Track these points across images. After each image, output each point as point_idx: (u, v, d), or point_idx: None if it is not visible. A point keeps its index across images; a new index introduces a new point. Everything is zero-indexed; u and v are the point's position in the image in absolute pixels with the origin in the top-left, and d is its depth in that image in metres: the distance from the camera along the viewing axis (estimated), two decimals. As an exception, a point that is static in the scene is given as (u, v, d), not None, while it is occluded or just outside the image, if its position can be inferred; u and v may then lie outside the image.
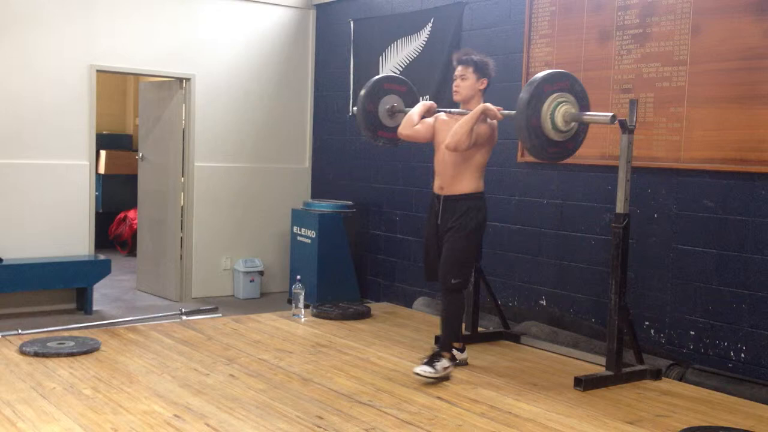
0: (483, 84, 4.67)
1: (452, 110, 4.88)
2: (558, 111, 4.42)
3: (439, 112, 4.90)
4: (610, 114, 4.36)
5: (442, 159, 4.69)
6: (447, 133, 4.63)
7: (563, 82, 4.48)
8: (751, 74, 4.64)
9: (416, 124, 4.80)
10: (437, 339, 5.18)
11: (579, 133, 4.62)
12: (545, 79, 4.43)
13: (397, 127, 5.10)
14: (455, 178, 4.63)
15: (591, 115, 4.53)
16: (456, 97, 4.73)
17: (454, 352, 4.66)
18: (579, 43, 5.56)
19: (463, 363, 4.75)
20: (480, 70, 4.65)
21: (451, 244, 4.61)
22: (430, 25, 6.77)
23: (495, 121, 4.63)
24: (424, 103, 4.93)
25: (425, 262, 4.90)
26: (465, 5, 6.45)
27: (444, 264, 4.62)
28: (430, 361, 4.47)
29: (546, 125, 4.42)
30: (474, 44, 6.36)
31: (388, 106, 5.30)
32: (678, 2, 4.99)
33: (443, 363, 4.47)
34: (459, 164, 4.61)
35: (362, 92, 5.30)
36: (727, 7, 4.76)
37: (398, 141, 5.27)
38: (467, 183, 4.63)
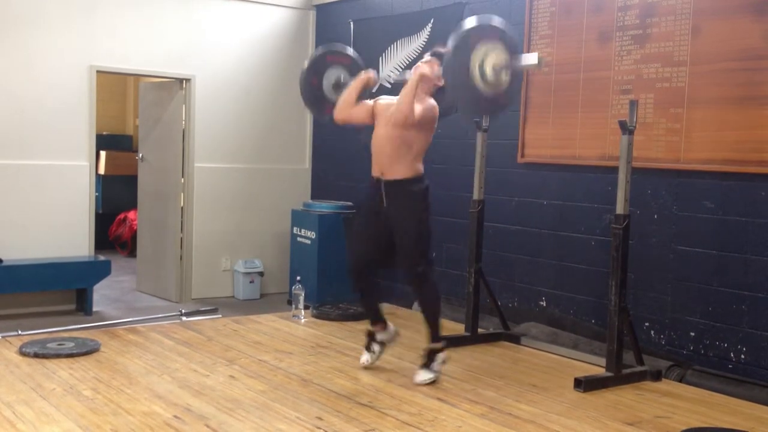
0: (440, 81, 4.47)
1: (393, 98, 4.64)
2: (486, 62, 4.25)
3: (379, 97, 4.69)
4: (536, 54, 4.20)
5: (381, 143, 4.49)
6: (386, 115, 4.47)
7: (491, 33, 4.31)
8: (751, 75, 4.64)
9: (354, 104, 4.57)
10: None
11: (512, 85, 4.39)
12: (471, 30, 4.25)
13: None
14: (395, 161, 4.44)
15: (518, 59, 4.33)
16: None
17: (378, 336, 4.70)
18: (579, 43, 5.56)
19: (393, 338, 4.78)
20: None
21: (405, 234, 4.46)
22: (430, 25, 6.77)
23: (431, 101, 4.45)
24: (360, 78, 4.64)
25: (359, 250, 4.59)
26: (465, 5, 6.45)
27: (405, 256, 4.48)
28: (427, 365, 4.48)
29: (475, 77, 4.25)
30: (474, 45, 6.35)
31: (333, 80, 5.03)
32: (678, 3, 4.99)
33: (439, 360, 4.50)
34: (399, 147, 4.43)
35: (304, 66, 5.06)
36: (727, 7, 4.75)
37: None
38: (408, 167, 4.45)
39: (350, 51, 5.29)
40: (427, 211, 4.56)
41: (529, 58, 4.29)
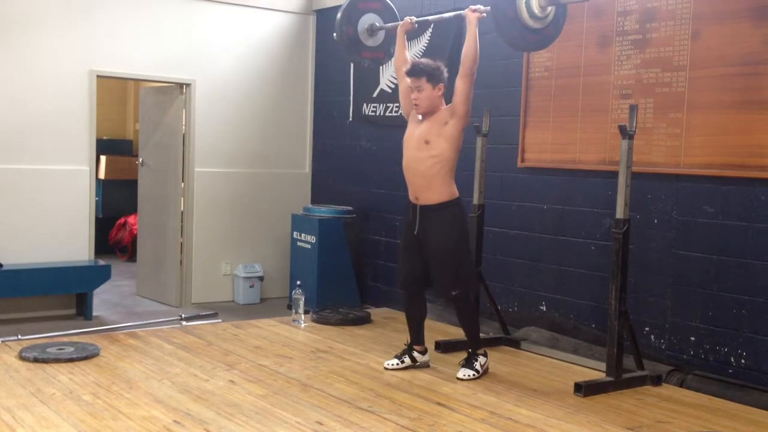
0: (440, 90, 4.56)
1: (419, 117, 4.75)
2: None
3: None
4: None
5: (413, 165, 4.60)
6: (414, 138, 4.59)
7: None
8: (750, 79, 4.64)
9: (404, 52, 4.85)
10: (437, 344, 5.21)
11: (558, 17, 4.57)
12: None
13: (379, 45, 5.26)
14: (430, 182, 4.54)
15: None
16: (418, 110, 4.60)
17: (415, 354, 4.79)
18: (579, 48, 5.56)
19: (425, 365, 4.81)
20: (433, 77, 4.52)
21: (441, 263, 4.57)
22: (429, 31, 6.77)
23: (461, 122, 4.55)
24: (401, 26, 4.94)
25: (403, 269, 4.79)
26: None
27: (440, 282, 4.64)
28: (469, 364, 4.66)
29: (523, 14, 4.40)
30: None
31: (366, 26, 5.26)
32: (678, 8, 5.00)
33: (480, 361, 4.67)
34: (431, 167, 4.52)
35: (338, 17, 5.26)
36: (726, 12, 4.76)
37: (383, 58, 5.31)
38: (442, 189, 4.55)
39: None
40: (462, 236, 4.62)
41: None
